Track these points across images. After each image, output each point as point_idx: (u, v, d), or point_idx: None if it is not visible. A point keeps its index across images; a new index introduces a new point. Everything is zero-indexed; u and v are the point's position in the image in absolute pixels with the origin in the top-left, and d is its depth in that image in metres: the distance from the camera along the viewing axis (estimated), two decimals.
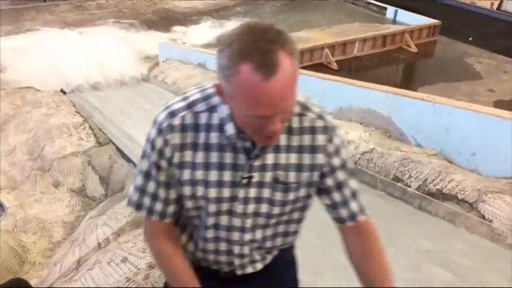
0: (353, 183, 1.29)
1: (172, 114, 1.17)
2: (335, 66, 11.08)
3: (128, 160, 4.72)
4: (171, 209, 1.26)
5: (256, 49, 0.99)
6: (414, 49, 12.20)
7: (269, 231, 1.32)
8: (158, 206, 1.25)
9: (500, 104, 8.42)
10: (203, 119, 1.17)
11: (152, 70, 9.25)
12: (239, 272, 1.36)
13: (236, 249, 1.31)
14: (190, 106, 1.18)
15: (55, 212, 4.43)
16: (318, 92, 5.24)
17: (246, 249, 1.32)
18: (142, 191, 1.25)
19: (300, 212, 1.32)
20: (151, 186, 1.23)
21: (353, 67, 11.54)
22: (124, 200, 3.74)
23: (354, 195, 1.29)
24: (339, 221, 1.31)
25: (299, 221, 1.35)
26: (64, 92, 7.77)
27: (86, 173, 4.95)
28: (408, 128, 4.39)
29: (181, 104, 1.19)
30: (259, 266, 1.38)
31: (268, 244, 1.34)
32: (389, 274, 1.28)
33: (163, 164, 1.20)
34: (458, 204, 3.31)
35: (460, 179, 3.48)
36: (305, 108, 1.21)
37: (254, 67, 0.98)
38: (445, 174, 3.57)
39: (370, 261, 1.29)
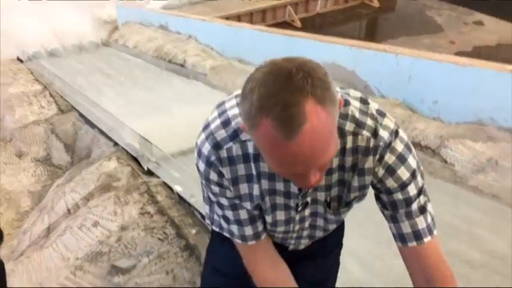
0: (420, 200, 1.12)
1: (218, 146, 1.08)
2: (298, 24, 11.01)
3: (93, 126, 4.63)
4: (260, 226, 1.22)
5: (276, 102, 0.82)
6: (376, 4, 12.21)
7: (327, 233, 1.34)
8: (248, 229, 1.21)
9: (461, 56, 8.57)
10: (250, 148, 1.08)
11: (112, 34, 8.97)
12: (291, 248, 1.37)
13: (291, 246, 1.35)
14: (234, 136, 1.07)
15: (20, 182, 4.34)
16: (282, 50, 5.22)
17: (302, 246, 1.36)
18: (225, 218, 1.21)
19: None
20: (230, 214, 1.19)
21: (317, 24, 11.50)
22: (91, 166, 3.70)
23: (411, 215, 1.12)
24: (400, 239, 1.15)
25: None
26: (21, 60, 7.47)
27: (50, 141, 4.83)
28: (372, 80, 4.44)
29: (224, 132, 1.08)
30: (309, 243, 1.39)
31: (326, 233, 1.35)
32: None
33: (227, 192, 1.15)
34: (422, 151, 3.41)
35: (422, 127, 3.57)
36: (359, 124, 1.05)
37: (275, 124, 0.83)
38: (408, 123, 3.66)
39: None
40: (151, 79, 6.23)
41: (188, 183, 3.18)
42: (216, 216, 1.29)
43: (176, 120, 4.50)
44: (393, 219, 1.12)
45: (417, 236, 1.10)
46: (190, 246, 2.81)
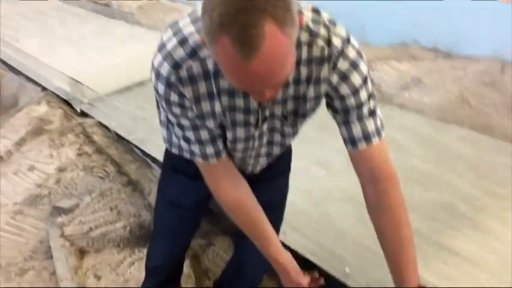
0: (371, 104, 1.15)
1: (178, 65, 1.04)
2: None
3: (18, 72, 4.40)
4: (221, 144, 1.21)
5: (236, 21, 0.80)
6: None
7: (284, 148, 1.36)
8: (210, 148, 1.20)
9: None
10: (210, 65, 1.05)
11: None
12: (247, 172, 1.38)
13: (249, 167, 1.36)
14: (193, 53, 1.04)
15: None
16: None
17: (259, 167, 1.38)
18: (186, 139, 1.19)
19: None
20: (191, 135, 1.17)
21: None
22: (19, 112, 3.56)
23: (362, 118, 1.15)
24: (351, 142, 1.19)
25: None
26: None
27: None
28: None
29: (182, 51, 1.04)
30: (265, 164, 1.41)
31: (283, 150, 1.38)
32: (406, 234, 1.19)
33: (188, 112, 1.13)
34: None
35: None
36: (313, 34, 1.05)
37: (233, 44, 0.82)
38: None
39: (383, 216, 1.20)
40: (76, 21, 5.94)
41: (124, 121, 3.16)
42: (175, 139, 1.28)
43: (106, 60, 4.37)
44: (345, 123, 1.16)
45: (367, 137, 1.15)
46: (133, 182, 2.83)
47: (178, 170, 1.50)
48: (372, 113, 1.15)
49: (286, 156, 1.55)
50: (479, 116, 3.05)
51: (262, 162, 1.37)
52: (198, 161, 1.23)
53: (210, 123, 1.14)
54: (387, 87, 3.26)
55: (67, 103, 3.60)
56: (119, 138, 3.10)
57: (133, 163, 2.94)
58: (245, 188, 1.29)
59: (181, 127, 1.16)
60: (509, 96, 3.16)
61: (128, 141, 3.04)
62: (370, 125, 1.15)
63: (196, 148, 1.19)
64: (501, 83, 3.25)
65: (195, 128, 1.15)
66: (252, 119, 1.16)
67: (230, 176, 1.27)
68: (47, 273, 2.38)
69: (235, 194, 1.27)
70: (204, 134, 1.16)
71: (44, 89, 3.93)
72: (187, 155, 1.24)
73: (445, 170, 2.63)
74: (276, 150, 1.33)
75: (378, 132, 1.16)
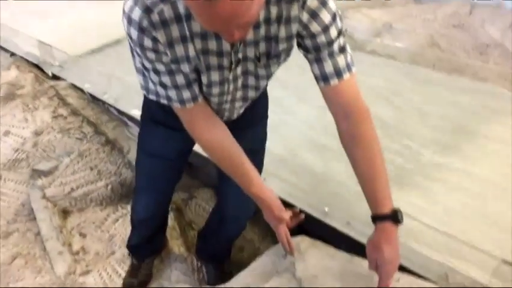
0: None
1: (149, 9, 1.03)
2: None
3: None
4: (197, 88, 1.21)
5: None
6: None
7: (259, 92, 1.36)
8: (186, 93, 1.20)
9: None
10: (181, 7, 1.04)
11: None
12: (224, 119, 1.38)
13: (226, 113, 1.36)
14: None
15: None
16: None
17: (236, 111, 1.38)
18: (162, 85, 1.19)
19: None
20: (167, 80, 1.17)
21: None
22: None
23: (333, 54, 1.16)
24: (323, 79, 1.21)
25: None
26: None
27: None
28: None
29: None
30: (242, 110, 1.43)
31: (258, 94, 1.38)
32: (379, 163, 1.22)
33: (163, 57, 1.12)
34: None
35: None
36: None
37: None
38: None
39: (357, 148, 1.23)
40: None
41: (98, 81, 3.12)
42: (151, 85, 1.28)
43: (76, 21, 4.26)
44: (317, 61, 1.18)
45: (338, 73, 1.17)
46: (110, 141, 2.84)
47: (157, 121, 1.51)
48: (342, 49, 1.17)
49: (262, 104, 1.58)
50: (448, 58, 3.11)
51: (238, 106, 1.38)
52: (176, 106, 1.24)
53: (185, 68, 1.15)
54: (359, 35, 3.28)
55: (38, 67, 3.53)
56: (94, 99, 3.08)
57: (109, 122, 2.94)
58: (222, 129, 1.31)
59: (157, 72, 1.16)
60: (478, 37, 3.21)
61: (103, 102, 3.02)
62: (341, 61, 1.17)
63: (173, 93, 1.20)
64: (469, 25, 3.30)
65: (171, 73, 1.16)
66: (226, 62, 1.17)
67: (207, 118, 1.29)
68: (31, 234, 2.40)
69: (212, 134, 1.30)
70: (180, 79, 1.17)
71: (12, 54, 3.84)
72: (164, 101, 1.25)
73: (413, 114, 2.70)
74: (251, 94, 1.34)
75: (348, 68, 1.19)
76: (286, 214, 1.41)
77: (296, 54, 1.23)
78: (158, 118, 1.50)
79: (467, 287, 1.51)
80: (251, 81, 1.28)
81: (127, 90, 2.90)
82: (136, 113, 1.57)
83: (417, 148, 2.42)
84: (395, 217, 1.19)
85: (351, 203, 1.92)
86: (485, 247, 1.59)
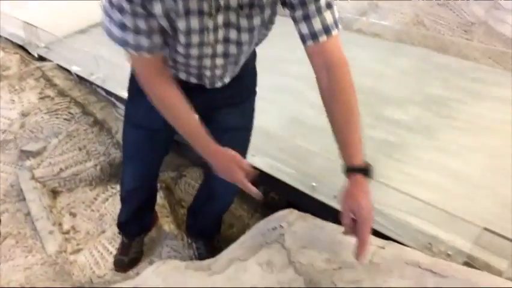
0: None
1: None
2: None
3: None
4: (157, 39, 1.18)
5: None
6: None
7: (242, 57, 1.33)
8: (144, 40, 1.16)
9: None
10: None
11: None
12: (208, 87, 1.39)
13: (207, 72, 1.33)
14: None
15: None
16: None
17: (218, 72, 1.35)
18: (122, 26, 1.14)
19: (267, 30, 1.30)
20: (129, 20, 1.12)
21: None
22: None
23: (320, 10, 1.16)
24: (312, 37, 1.20)
25: (266, 34, 1.33)
26: None
27: None
28: None
29: None
30: (227, 80, 1.42)
31: (240, 63, 1.37)
32: (355, 117, 1.24)
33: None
34: None
35: None
36: None
37: None
38: None
39: (336, 101, 1.24)
40: None
41: (84, 62, 3.10)
42: (112, 25, 1.20)
43: (58, 2, 4.20)
44: (305, 19, 1.17)
45: (327, 30, 1.17)
46: (99, 121, 2.84)
47: (142, 91, 1.52)
48: (329, 5, 1.17)
49: (251, 79, 1.60)
50: (433, 36, 3.14)
51: (220, 65, 1.34)
52: (131, 52, 1.21)
53: (158, 8, 1.12)
54: (345, 14, 3.29)
55: (23, 48, 3.50)
56: (81, 79, 3.07)
57: (97, 103, 2.93)
58: (174, 87, 1.30)
59: (121, 10, 1.12)
60: (462, 15, 3.25)
61: (90, 82, 3.01)
62: (328, 17, 1.17)
63: (130, 37, 1.16)
64: (454, 3, 3.33)
65: (135, 14, 1.12)
66: (206, 7, 1.14)
67: (160, 74, 1.28)
68: (21, 214, 2.41)
69: (164, 90, 1.29)
70: (142, 24, 1.14)
71: None
72: (120, 44, 1.20)
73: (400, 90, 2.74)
74: (233, 50, 1.30)
75: (336, 24, 1.20)
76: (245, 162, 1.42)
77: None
78: (117, 45, 1.50)
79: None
80: (232, 34, 1.24)
81: (114, 71, 2.88)
82: (124, 94, 1.58)
83: (400, 122, 2.46)
84: (367, 171, 1.22)
85: (338, 178, 1.94)
86: (467, 216, 1.64)
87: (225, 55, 1.31)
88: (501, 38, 3.20)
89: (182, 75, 1.38)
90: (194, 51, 1.25)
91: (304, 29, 1.19)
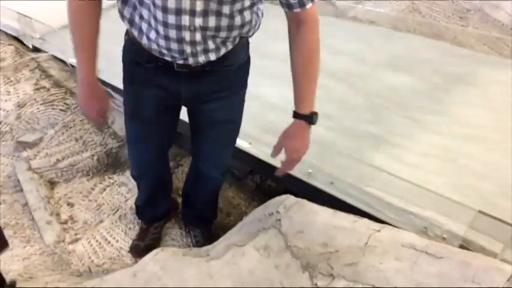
0: None
1: None
2: None
3: None
4: None
5: None
6: None
7: (224, 21, 1.27)
8: None
9: None
10: None
11: None
12: (191, 61, 1.35)
13: (187, 35, 1.27)
14: None
15: None
16: None
17: (198, 36, 1.28)
18: None
19: (252, 11, 1.31)
20: None
21: None
22: None
23: None
24: (288, 6, 1.29)
25: (255, 11, 1.33)
26: None
27: None
28: None
29: None
30: (212, 56, 1.36)
31: (223, 34, 1.31)
32: (314, 71, 1.36)
33: None
34: None
35: None
36: None
37: None
38: None
39: (301, 52, 1.35)
40: None
41: None
42: None
43: None
44: None
45: (301, 3, 1.26)
46: None
47: (132, 76, 1.55)
48: None
49: (242, 72, 1.58)
50: (429, 23, 3.14)
51: (199, 39, 1.29)
52: None
53: None
54: (341, 1, 3.28)
55: (18, 40, 3.48)
56: None
57: None
58: (91, 7, 1.35)
59: None
60: (458, 2, 3.24)
61: None
62: None
63: None
64: None
65: None
66: None
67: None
68: (19, 205, 2.42)
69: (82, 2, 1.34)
70: None
71: None
72: None
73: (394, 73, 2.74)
74: (212, 22, 1.26)
75: None
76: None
77: None
78: (132, 72, 1.54)
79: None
80: (212, 5, 1.22)
81: (110, 61, 2.84)
82: (120, 84, 1.59)
83: (393, 107, 2.46)
84: (311, 118, 1.40)
85: (334, 164, 1.96)
86: (462, 199, 1.65)
87: (204, 28, 1.27)
88: (496, 25, 3.21)
89: (162, 43, 1.32)
90: (171, 18, 1.23)
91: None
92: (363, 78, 2.67)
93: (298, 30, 1.31)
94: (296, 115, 1.41)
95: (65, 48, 3.20)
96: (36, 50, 3.32)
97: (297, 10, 1.27)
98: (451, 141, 2.21)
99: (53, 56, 3.19)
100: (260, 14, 1.38)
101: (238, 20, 1.28)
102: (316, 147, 2.14)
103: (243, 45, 1.48)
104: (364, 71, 2.76)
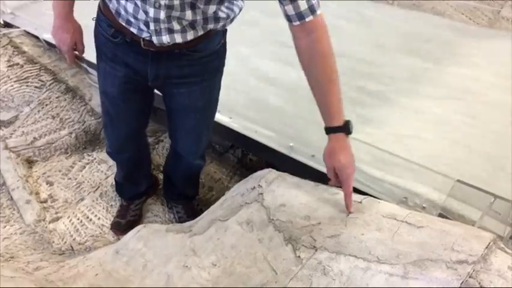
0: None
1: None
2: None
3: None
4: None
5: None
6: None
7: (191, 13, 1.27)
8: None
9: None
10: None
11: None
12: (155, 41, 1.31)
13: (151, 11, 1.24)
14: None
15: None
16: None
17: (162, 14, 1.24)
18: None
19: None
20: None
21: None
22: None
23: None
24: (287, 19, 1.24)
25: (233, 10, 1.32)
26: None
27: None
28: None
29: None
30: (178, 38, 1.33)
31: (189, 17, 1.28)
32: (334, 78, 1.26)
33: None
34: None
35: None
36: None
37: None
38: None
39: (315, 64, 1.26)
40: None
41: None
42: None
43: None
44: (291, 1, 1.19)
45: (312, 10, 1.20)
46: (71, 89, 2.78)
47: (102, 52, 1.53)
48: None
49: (216, 60, 1.56)
50: None
51: (162, 16, 1.25)
52: None
53: None
54: None
55: None
56: (51, 46, 2.97)
57: (68, 70, 2.86)
58: None
59: None
60: None
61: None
62: None
63: None
64: None
65: None
66: None
67: None
68: None
69: None
70: None
71: None
72: None
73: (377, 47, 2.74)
74: (177, 1, 1.23)
75: (319, 6, 1.22)
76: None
77: None
78: (101, 48, 1.53)
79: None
80: None
81: (84, 36, 2.79)
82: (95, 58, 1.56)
83: (377, 79, 2.47)
84: (347, 128, 1.28)
85: (315, 138, 1.96)
86: (441, 169, 1.67)
87: (169, 7, 1.24)
88: None
89: (130, 8, 1.29)
90: None
91: (291, 11, 1.20)
92: (344, 50, 2.66)
93: (309, 38, 1.23)
94: (330, 130, 1.30)
95: (39, 23, 3.11)
96: (7, 25, 3.21)
97: (309, 18, 1.20)
98: (430, 111, 2.23)
99: (25, 31, 3.10)
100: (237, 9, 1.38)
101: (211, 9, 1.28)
102: (297, 120, 2.16)
103: (216, 33, 1.44)
104: (345, 43, 2.75)
